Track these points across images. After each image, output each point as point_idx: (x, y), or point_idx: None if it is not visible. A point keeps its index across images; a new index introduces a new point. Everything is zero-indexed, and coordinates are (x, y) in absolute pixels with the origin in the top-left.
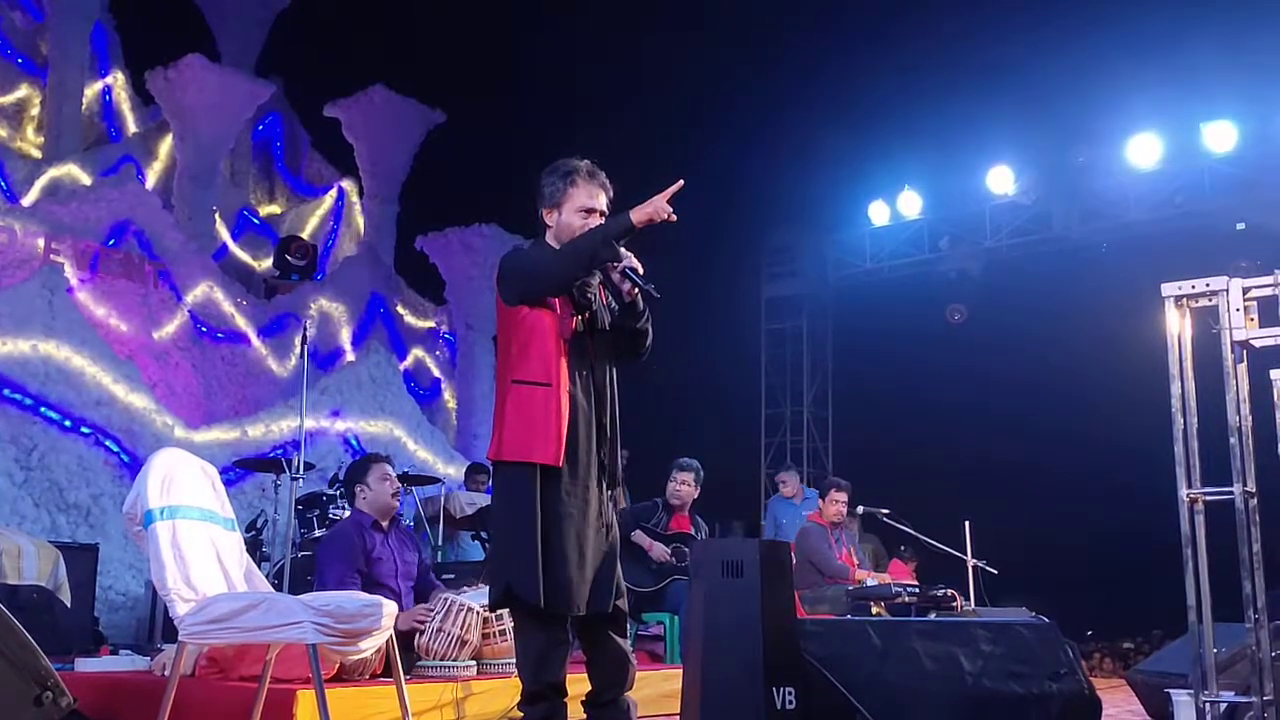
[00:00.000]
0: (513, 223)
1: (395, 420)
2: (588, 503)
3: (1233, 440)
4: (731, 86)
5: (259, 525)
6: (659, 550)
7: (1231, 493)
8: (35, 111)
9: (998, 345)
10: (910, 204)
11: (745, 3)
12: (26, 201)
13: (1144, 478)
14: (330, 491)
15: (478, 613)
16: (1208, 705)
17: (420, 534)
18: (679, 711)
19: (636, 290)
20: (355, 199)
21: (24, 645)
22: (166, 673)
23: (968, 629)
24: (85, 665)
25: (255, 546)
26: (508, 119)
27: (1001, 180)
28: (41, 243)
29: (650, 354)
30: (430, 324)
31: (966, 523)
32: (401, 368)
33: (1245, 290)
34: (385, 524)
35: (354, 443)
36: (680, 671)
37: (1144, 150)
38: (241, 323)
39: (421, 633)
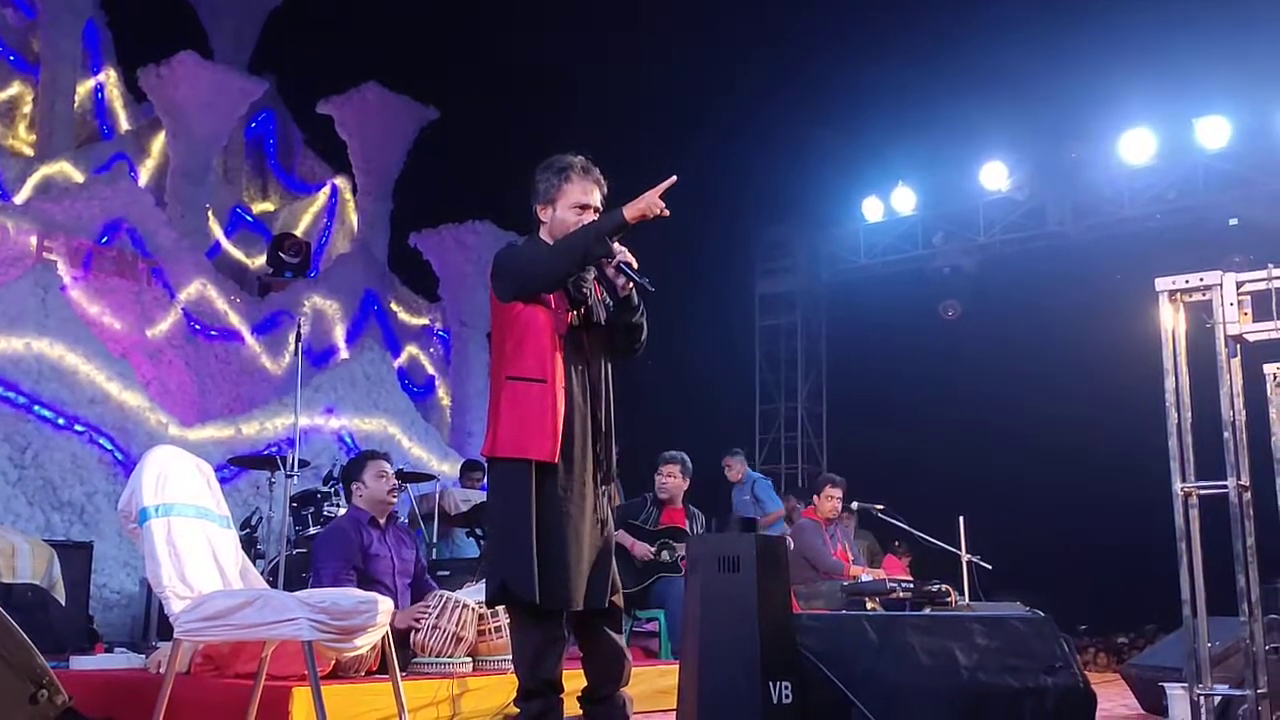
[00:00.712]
0: (507, 219)
1: (389, 417)
2: (584, 498)
3: (1226, 434)
4: (725, 81)
5: (254, 522)
6: (641, 549)
7: (1226, 487)
8: (27, 109)
9: (991, 341)
10: (904, 200)
11: None
12: (19, 199)
13: (1138, 472)
14: (325, 489)
15: (473, 609)
16: (1202, 699)
17: (415, 531)
18: (675, 707)
19: (631, 285)
20: (349, 196)
21: (19, 644)
22: (162, 670)
23: (963, 623)
24: (80, 663)
25: (250, 544)
26: (501, 115)
27: (995, 176)
28: (34, 241)
29: (644, 349)
30: (424, 321)
31: (961, 518)
32: (396, 365)
33: (1239, 284)
34: (382, 521)
35: (348, 440)
36: (676, 667)
37: (1137, 146)
38: (235, 320)
39: (418, 630)
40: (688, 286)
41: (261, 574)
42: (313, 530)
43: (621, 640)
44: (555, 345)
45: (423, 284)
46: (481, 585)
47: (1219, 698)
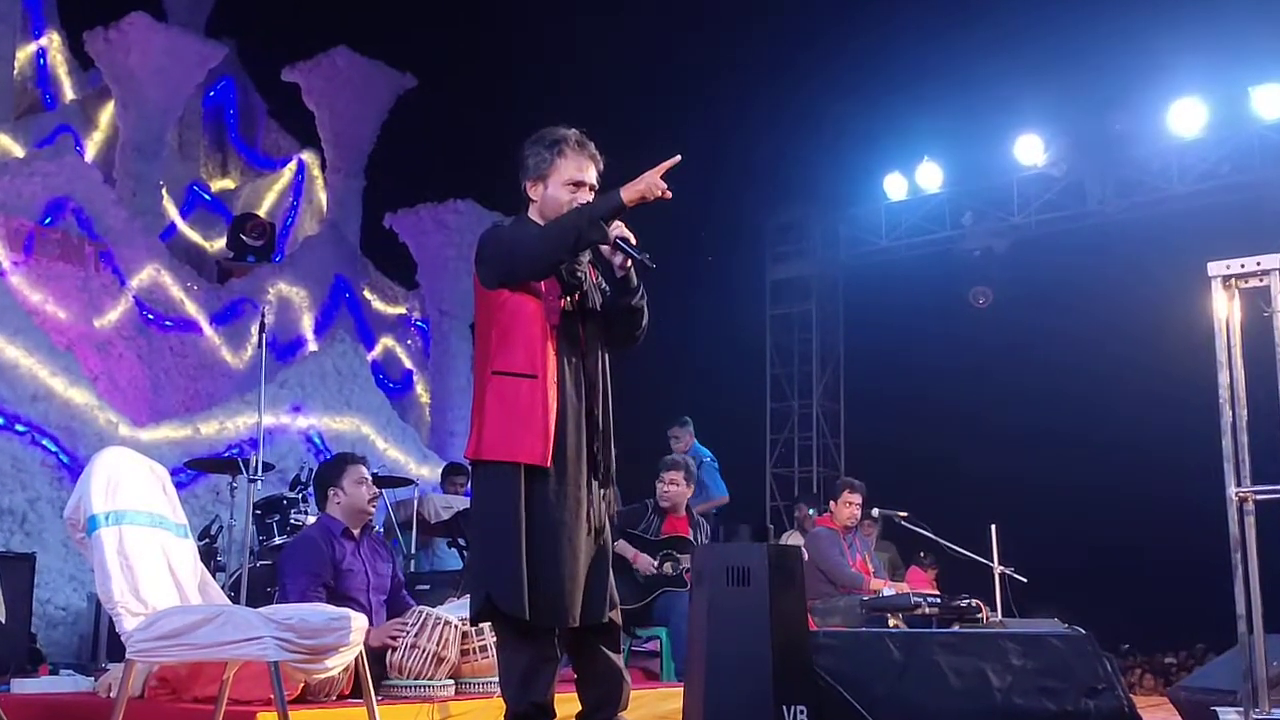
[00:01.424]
0: (492, 198)
1: (363, 416)
2: (579, 504)
3: None
4: (731, 51)
5: (213, 532)
6: (644, 562)
7: None
8: None
9: (1026, 331)
10: (930, 176)
11: None
12: None
13: (1188, 475)
14: (292, 494)
15: (456, 627)
16: None
17: (391, 541)
18: None
19: (630, 263)
20: (317, 172)
21: None
22: (113, 694)
23: (995, 641)
24: (22, 686)
25: (210, 555)
26: (486, 84)
27: (1030, 150)
28: None
29: (645, 337)
30: (401, 310)
31: (992, 526)
32: (369, 358)
33: None
34: (356, 532)
35: (317, 441)
36: (679, 690)
37: (1187, 117)
38: (192, 309)
39: (394, 649)
40: (692, 273)
41: (222, 588)
42: (279, 540)
43: (620, 660)
44: (546, 336)
45: (399, 269)
46: (465, 600)
47: None
